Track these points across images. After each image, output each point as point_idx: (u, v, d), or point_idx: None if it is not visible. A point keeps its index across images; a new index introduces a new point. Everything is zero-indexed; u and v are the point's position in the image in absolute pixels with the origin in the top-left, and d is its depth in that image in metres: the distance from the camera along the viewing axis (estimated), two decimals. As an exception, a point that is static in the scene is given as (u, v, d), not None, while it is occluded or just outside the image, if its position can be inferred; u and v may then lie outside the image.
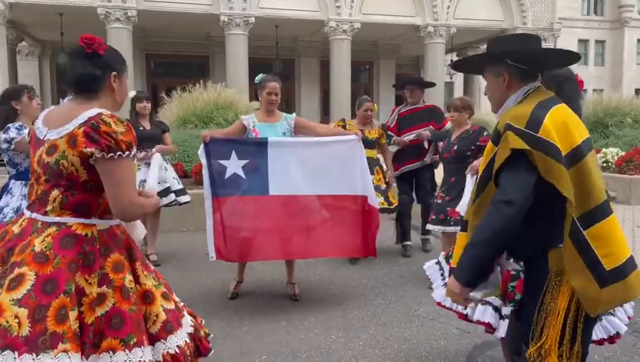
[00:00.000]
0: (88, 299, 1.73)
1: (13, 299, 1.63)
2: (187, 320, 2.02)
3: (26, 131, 3.49)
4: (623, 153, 9.69)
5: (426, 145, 5.52)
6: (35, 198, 1.84)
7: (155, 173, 5.06)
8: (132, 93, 5.41)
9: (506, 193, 1.74)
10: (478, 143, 4.28)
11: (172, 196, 5.26)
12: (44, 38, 20.16)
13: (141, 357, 1.74)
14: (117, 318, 1.75)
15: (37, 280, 1.66)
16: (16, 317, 1.60)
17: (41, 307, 1.63)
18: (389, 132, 5.63)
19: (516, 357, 2.13)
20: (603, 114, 12.41)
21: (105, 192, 1.82)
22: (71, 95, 1.91)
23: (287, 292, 4.32)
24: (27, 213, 1.85)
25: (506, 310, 2.59)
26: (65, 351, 1.61)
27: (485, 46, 2.15)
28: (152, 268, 2.05)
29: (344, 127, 5.29)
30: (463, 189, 3.99)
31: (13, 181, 3.69)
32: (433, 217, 4.55)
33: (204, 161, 4.01)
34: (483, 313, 2.69)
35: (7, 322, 1.59)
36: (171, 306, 1.96)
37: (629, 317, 2.59)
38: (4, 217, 3.45)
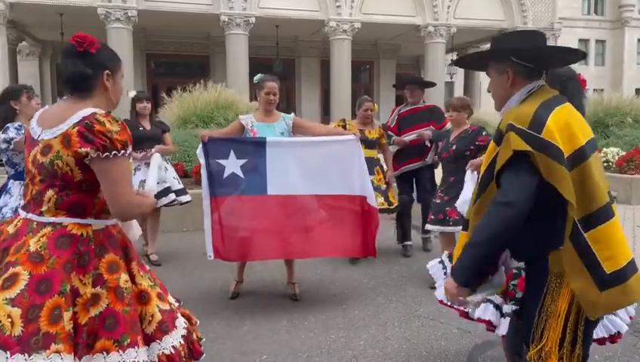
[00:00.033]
0: (82, 300, 1.72)
1: (6, 299, 1.62)
2: (181, 322, 2.01)
3: (24, 131, 3.49)
4: (624, 153, 9.68)
5: (427, 144, 5.52)
6: (30, 199, 1.83)
7: (154, 174, 5.07)
8: (132, 93, 5.40)
9: (507, 194, 1.72)
10: (476, 143, 4.28)
11: (172, 196, 5.26)
12: (45, 38, 20.16)
13: (135, 358, 1.73)
14: (111, 319, 1.74)
15: (31, 280, 1.66)
16: (9, 316, 1.60)
17: (34, 307, 1.63)
18: (389, 132, 5.62)
19: (517, 357, 2.13)
20: (603, 114, 12.40)
21: (100, 192, 1.81)
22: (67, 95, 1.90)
23: (288, 292, 4.32)
24: (22, 214, 1.84)
25: (507, 308, 2.59)
26: (57, 351, 1.61)
27: (485, 45, 2.13)
28: (148, 268, 2.04)
29: (344, 127, 5.29)
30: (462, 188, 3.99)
31: (11, 181, 3.70)
32: (432, 217, 4.55)
33: (202, 161, 4.01)
34: (484, 311, 2.69)
35: (0, 321, 1.59)
36: (166, 307, 1.95)
37: (630, 317, 2.58)
38: (3, 217, 3.45)
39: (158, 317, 1.88)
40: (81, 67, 1.84)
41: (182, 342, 1.94)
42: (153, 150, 5.13)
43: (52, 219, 1.77)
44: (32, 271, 1.67)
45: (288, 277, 4.33)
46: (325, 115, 20.83)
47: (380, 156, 5.59)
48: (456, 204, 3.99)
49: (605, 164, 9.54)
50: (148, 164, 5.12)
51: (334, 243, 4.12)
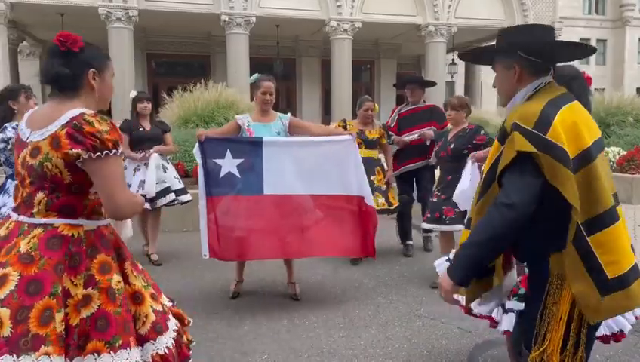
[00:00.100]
0: (73, 301, 1.71)
1: None
2: (172, 324, 2.00)
3: None
4: (625, 152, 9.67)
5: (428, 143, 5.51)
6: (21, 201, 1.81)
7: (152, 174, 5.11)
8: (133, 94, 5.41)
9: (509, 196, 1.69)
10: (474, 142, 4.28)
11: (171, 196, 5.26)
12: (46, 38, 20.15)
13: (127, 359, 1.72)
14: (102, 320, 1.72)
15: (20, 281, 1.64)
16: None
17: (23, 308, 1.61)
18: (390, 132, 5.62)
19: (519, 357, 2.12)
20: (604, 113, 12.37)
21: (90, 194, 1.80)
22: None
23: (288, 292, 4.31)
24: (14, 216, 1.83)
25: (510, 304, 2.58)
26: (47, 353, 1.59)
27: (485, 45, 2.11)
28: (141, 268, 2.03)
29: (345, 127, 5.27)
30: None
31: (10, 181, 3.70)
32: (428, 216, 4.54)
33: (199, 160, 4.01)
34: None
35: None
36: (159, 307, 1.94)
37: (636, 317, 2.56)
38: (1, 217, 3.45)
39: (152, 317, 1.87)
40: (63, 67, 1.80)
41: (173, 343, 1.92)
42: (152, 150, 5.13)
43: (43, 221, 1.76)
44: (22, 272, 1.66)
45: (288, 276, 4.33)
46: (326, 115, 20.84)
47: (381, 156, 5.58)
48: (455, 193, 4.00)
49: (606, 164, 9.52)
50: (147, 165, 5.13)
51: (332, 244, 4.11)
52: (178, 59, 22.27)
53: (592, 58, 32.70)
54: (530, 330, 1.81)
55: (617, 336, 2.54)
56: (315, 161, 4.07)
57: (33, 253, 1.69)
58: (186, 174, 7.27)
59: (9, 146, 3.57)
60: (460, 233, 2.09)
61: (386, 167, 5.53)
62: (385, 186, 5.36)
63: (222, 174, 3.97)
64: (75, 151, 1.70)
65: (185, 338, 2.06)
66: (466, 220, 2.05)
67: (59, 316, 1.65)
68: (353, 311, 3.97)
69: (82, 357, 1.68)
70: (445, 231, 4.43)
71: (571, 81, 2.13)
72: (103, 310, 1.73)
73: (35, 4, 15.55)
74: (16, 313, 1.60)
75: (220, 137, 4.13)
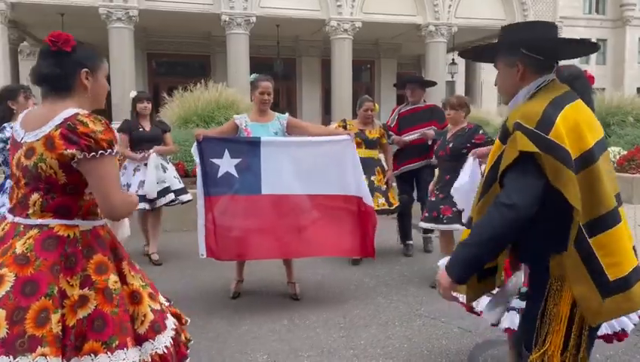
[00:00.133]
0: (70, 302, 1.70)
1: None
2: (170, 322, 1.99)
3: None
4: (625, 152, 9.66)
5: (429, 143, 5.50)
6: (17, 202, 1.80)
7: (152, 174, 5.11)
8: (133, 94, 5.41)
9: (510, 196, 1.67)
10: (473, 141, 4.28)
11: (171, 195, 5.26)
12: (46, 38, 20.14)
13: (124, 360, 1.71)
14: (99, 321, 1.72)
15: (16, 282, 1.64)
16: None
17: (19, 309, 1.61)
18: (390, 131, 5.61)
19: (519, 357, 2.11)
20: (605, 113, 12.35)
21: (86, 195, 1.80)
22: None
23: (288, 292, 4.31)
24: (9, 217, 1.82)
25: (512, 302, 2.57)
26: (43, 354, 1.58)
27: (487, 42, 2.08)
28: (139, 267, 2.02)
29: (345, 127, 5.27)
30: None
31: (9, 181, 3.69)
32: (426, 215, 4.53)
33: (197, 160, 4.01)
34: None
35: None
36: (157, 307, 1.94)
37: (639, 317, 2.56)
38: (0, 216, 3.45)
39: (151, 316, 1.87)
40: (54, 67, 1.79)
41: (171, 342, 1.92)
42: (151, 151, 5.13)
43: (39, 221, 1.75)
44: (18, 273, 1.65)
45: (288, 276, 4.32)
46: (326, 115, 20.83)
47: (381, 156, 5.58)
48: (453, 186, 4.01)
49: (607, 164, 9.52)
50: (147, 165, 5.13)
51: (330, 243, 4.11)
52: (178, 59, 22.24)
53: (593, 58, 32.69)
54: (530, 330, 1.81)
55: (620, 335, 2.53)
56: (313, 161, 4.07)
57: (29, 254, 1.69)
58: (187, 174, 7.27)
59: (8, 146, 3.57)
60: (460, 232, 2.08)
61: (386, 167, 5.53)
62: (385, 186, 5.35)
63: (220, 174, 3.97)
64: (69, 151, 1.69)
65: (183, 337, 2.05)
66: (467, 219, 2.05)
67: (55, 317, 1.64)
68: (353, 311, 3.97)
69: (79, 357, 1.68)
70: (445, 231, 4.43)
71: (574, 80, 2.11)
72: (100, 310, 1.72)
73: (35, 4, 15.54)
74: (13, 314, 1.60)
75: (218, 137, 4.13)
